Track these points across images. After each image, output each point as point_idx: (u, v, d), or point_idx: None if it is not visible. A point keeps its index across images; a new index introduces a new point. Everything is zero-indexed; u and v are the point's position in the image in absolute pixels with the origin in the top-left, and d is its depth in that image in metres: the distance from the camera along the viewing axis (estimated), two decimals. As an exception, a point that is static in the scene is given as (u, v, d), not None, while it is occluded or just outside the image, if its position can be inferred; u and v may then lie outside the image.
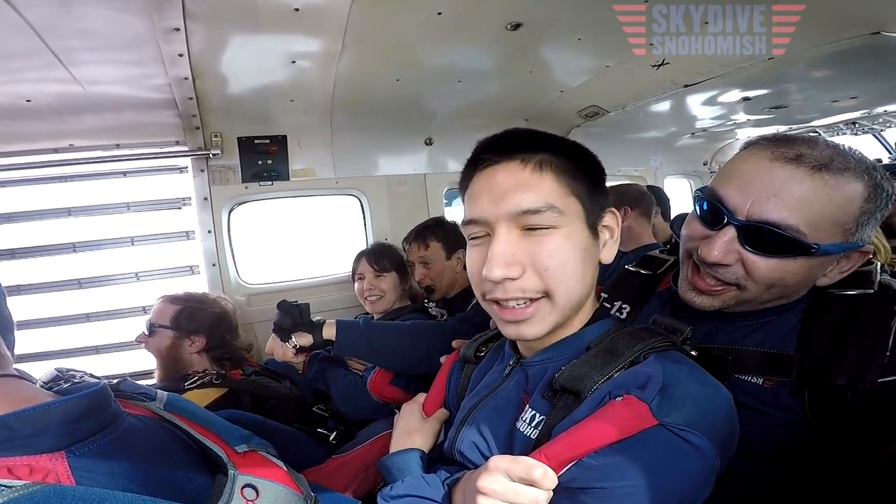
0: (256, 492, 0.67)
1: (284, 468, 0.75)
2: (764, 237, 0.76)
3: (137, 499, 0.55)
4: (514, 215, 0.69)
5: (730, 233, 0.79)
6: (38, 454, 0.55)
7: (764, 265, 0.77)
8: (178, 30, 1.23)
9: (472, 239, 0.76)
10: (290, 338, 1.35)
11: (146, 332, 1.70)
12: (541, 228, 0.69)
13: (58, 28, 1.18)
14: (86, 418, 0.60)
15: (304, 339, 1.34)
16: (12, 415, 0.55)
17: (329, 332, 1.35)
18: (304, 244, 2.69)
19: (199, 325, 1.70)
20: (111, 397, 0.67)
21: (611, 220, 0.76)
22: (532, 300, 0.71)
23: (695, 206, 0.88)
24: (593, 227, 0.74)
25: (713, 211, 0.82)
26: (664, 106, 2.26)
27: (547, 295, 0.71)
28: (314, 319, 1.38)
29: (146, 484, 0.60)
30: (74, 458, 0.56)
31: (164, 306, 1.71)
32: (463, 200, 0.80)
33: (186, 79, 1.53)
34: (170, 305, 1.71)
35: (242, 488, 0.66)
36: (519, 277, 0.70)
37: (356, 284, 1.98)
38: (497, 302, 0.74)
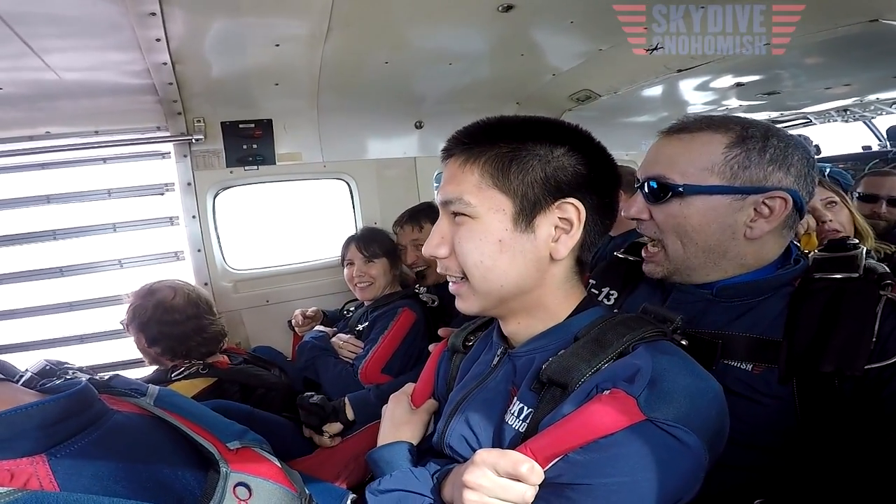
0: (249, 490, 0.66)
1: (278, 464, 0.74)
2: (650, 189, 0.92)
3: (123, 503, 0.55)
4: (442, 203, 0.76)
5: (639, 193, 0.95)
6: (17, 458, 0.54)
7: (658, 212, 0.92)
8: (153, 14, 1.18)
9: None
10: (323, 431, 1.45)
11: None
12: (462, 215, 0.73)
13: (27, 15, 1.13)
14: (66, 419, 0.59)
15: (335, 428, 1.46)
16: None
17: (350, 413, 1.49)
18: (291, 229, 2.66)
19: (138, 322, 1.63)
20: (94, 396, 0.65)
21: (570, 213, 0.72)
22: (459, 279, 0.76)
23: None
24: (527, 221, 0.71)
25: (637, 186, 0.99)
26: (656, 90, 2.23)
27: (466, 278, 0.75)
28: (330, 402, 1.51)
29: (133, 484, 0.59)
30: (56, 460, 0.55)
31: (128, 305, 1.67)
32: None
33: (165, 64, 1.47)
34: (127, 306, 1.67)
35: (235, 487, 0.65)
36: (445, 257, 0.76)
37: (345, 270, 1.96)
38: None
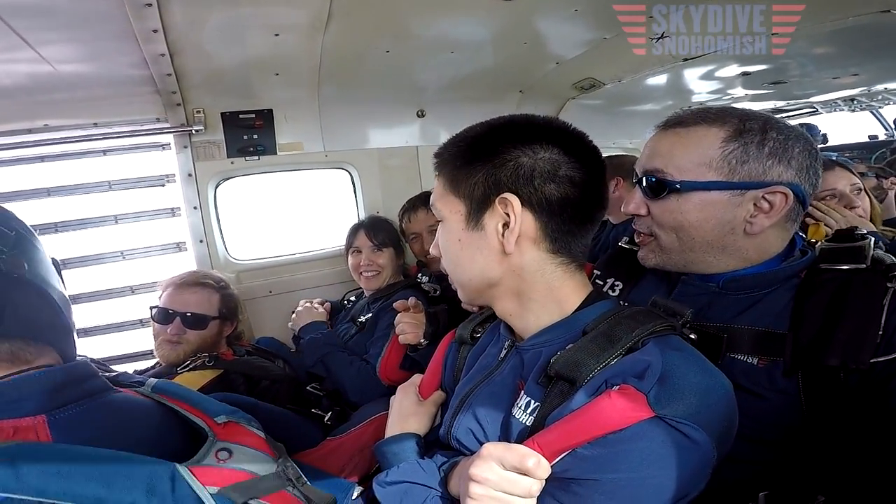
0: (230, 453, 0.72)
1: (262, 436, 0.80)
2: (648, 183, 0.91)
3: (111, 454, 0.59)
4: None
5: (637, 188, 0.95)
6: (21, 417, 0.61)
7: (655, 207, 0.91)
8: (149, 5, 1.16)
9: None
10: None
11: (194, 325, 1.62)
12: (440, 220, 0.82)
13: (19, 8, 1.11)
14: (66, 387, 0.67)
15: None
16: (2, 382, 0.63)
17: None
18: (293, 219, 2.66)
19: (233, 309, 1.72)
20: (94, 372, 0.73)
21: (508, 206, 0.72)
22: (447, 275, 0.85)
23: None
24: (476, 219, 0.75)
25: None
26: (661, 79, 2.21)
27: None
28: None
29: (127, 449, 0.63)
30: (54, 421, 0.63)
31: (211, 294, 1.68)
32: None
33: (163, 55, 1.45)
34: (214, 293, 1.69)
35: (217, 451, 0.72)
36: (439, 257, 0.84)
37: (351, 259, 1.94)
38: None
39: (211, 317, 1.66)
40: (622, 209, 0.98)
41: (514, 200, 0.72)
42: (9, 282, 0.64)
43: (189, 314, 1.63)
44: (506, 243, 0.73)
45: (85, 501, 0.52)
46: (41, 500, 0.50)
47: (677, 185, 0.87)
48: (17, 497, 0.49)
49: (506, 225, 0.73)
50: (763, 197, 0.84)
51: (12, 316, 0.64)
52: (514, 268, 0.75)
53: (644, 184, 0.92)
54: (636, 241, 1.00)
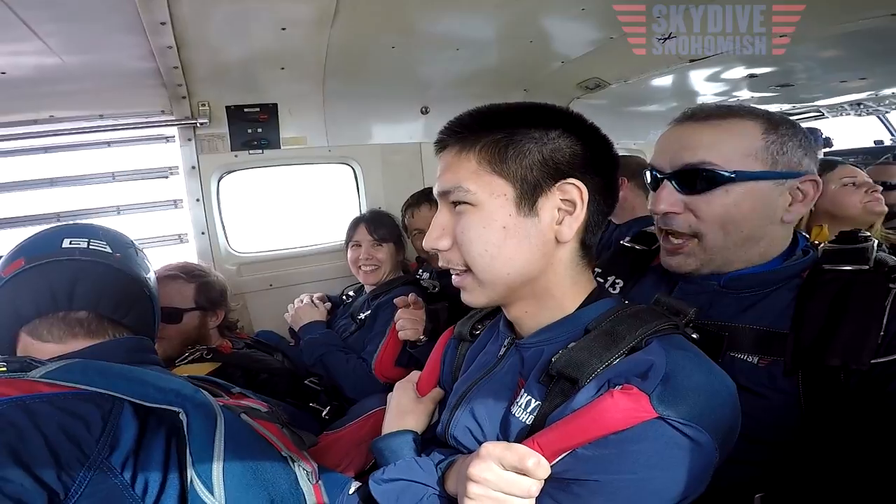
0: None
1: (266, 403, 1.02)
2: (691, 178, 0.87)
3: (158, 375, 0.77)
4: (440, 194, 0.75)
5: (666, 185, 0.90)
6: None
7: (704, 203, 0.87)
8: None
9: None
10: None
11: (168, 320, 1.55)
12: (462, 204, 0.72)
13: (29, -2, 1.12)
14: (141, 350, 0.98)
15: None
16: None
17: None
18: (296, 213, 2.66)
19: (215, 298, 1.67)
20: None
21: (572, 193, 0.71)
22: (462, 272, 0.75)
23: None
24: (530, 205, 0.70)
25: (652, 178, 0.95)
26: (667, 80, 2.21)
27: (470, 269, 0.73)
28: None
29: None
30: None
31: (182, 286, 1.62)
32: None
33: (170, 48, 1.45)
34: (186, 284, 1.63)
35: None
36: (447, 250, 0.75)
37: (350, 252, 1.93)
38: None
39: (185, 309, 1.60)
40: (650, 207, 0.96)
41: (583, 188, 0.71)
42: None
43: (161, 309, 1.59)
44: (565, 230, 0.71)
45: (136, 396, 0.72)
46: (112, 393, 0.70)
47: (731, 176, 0.84)
48: (100, 391, 0.69)
49: (562, 211, 0.71)
50: (797, 187, 0.86)
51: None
52: (554, 260, 0.73)
53: (682, 179, 0.88)
54: (667, 247, 0.95)
